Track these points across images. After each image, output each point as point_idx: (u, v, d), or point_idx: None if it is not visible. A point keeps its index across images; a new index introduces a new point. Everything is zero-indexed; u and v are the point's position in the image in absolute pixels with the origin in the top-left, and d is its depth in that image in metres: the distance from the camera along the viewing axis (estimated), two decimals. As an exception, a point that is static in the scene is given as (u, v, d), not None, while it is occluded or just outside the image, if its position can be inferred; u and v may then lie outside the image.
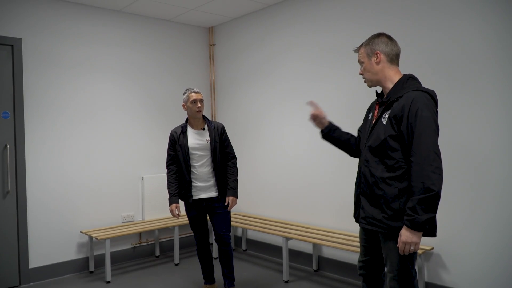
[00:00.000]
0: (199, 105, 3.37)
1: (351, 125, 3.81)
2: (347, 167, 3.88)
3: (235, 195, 3.41)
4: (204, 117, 3.48)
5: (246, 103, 4.97)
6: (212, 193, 3.39)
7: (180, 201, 3.48)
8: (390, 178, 2.05)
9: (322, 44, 4.09)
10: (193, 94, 3.38)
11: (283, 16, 4.46)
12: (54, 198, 4.16)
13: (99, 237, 4.00)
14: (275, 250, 4.61)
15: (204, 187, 3.39)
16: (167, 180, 3.48)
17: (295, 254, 4.37)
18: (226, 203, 3.38)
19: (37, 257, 4.05)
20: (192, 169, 3.40)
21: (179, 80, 5.14)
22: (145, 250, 4.79)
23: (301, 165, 4.34)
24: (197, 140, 3.40)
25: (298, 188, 4.38)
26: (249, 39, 4.90)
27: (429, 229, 2.03)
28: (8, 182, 3.87)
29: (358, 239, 3.51)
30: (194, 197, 3.40)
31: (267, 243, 4.73)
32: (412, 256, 2.09)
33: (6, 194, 3.88)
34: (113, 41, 4.59)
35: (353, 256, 3.83)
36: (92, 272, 4.28)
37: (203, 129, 3.43)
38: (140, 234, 4.73)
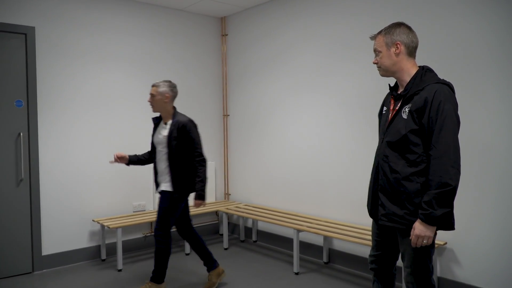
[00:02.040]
0: (149, 99, 3.37)
1: (363, 117, 3.77)
2: (359, 160, 3.84)
3: (200, 197, 3.31)
4: (175, 112, 3.40)
5: (258, 94, 4.93)
6: (166, 187, 3.34)
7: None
8: (412, 174, 2.01)
9: (335, 36, 4.03)
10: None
11: (297, 7, 4.40)
12: (66, 186, 4.20)
13: (111, 226, 4.03)
14: (285, 241, 4.60)
15: (162, 180, 3.38)
16: None
17: (305, 246, 4.35)
18: (194, 206, 3.34)
19: (50, 245, 4.10)
20: (156, 161, 3.42)
21: (192, 70, 5.13)
22: (156, 240, 4.81)
23: (312, 157, 4.30)
24: (159, 134, 3.39)
25: (309, 180, 4.35)
26: (262, 29, 4.84)
27: (447, 223, 2.00)
28: (22, 170, 3.91)
29: (369, 232, 3.49)
30: (157, 189, 3.44)
31: (278, 234, 4.72)
32: (430, 252, 2.06)
33: (20, 182, 3.93)
34: (126, 30, 4.58)
35: (364, 249, 3.81)
36: (104, 260, 4.32)
37: (166, 123, 3.39)
38: (151, 223, 4.75)
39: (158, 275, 3.38)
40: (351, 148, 3.93)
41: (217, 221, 5.38)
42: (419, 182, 1.99)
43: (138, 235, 4.68)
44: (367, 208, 2.29)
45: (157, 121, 3.47)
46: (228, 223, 5.30)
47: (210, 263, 3.58)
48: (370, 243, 3.24)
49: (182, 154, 3.30)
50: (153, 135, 3.46)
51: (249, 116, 5.06)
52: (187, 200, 3.47)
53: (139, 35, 4.68)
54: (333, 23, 4.05)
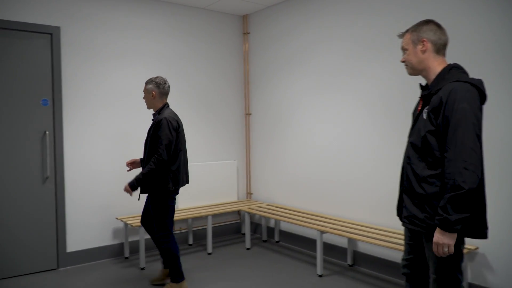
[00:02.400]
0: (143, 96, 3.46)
1: (387, 116, 3.66)
2: (384, 159, 3.74)
3: (130, 184, 3.29)
4: (162, 108, 3.39)
5: (280, 92, 4.87)
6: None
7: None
8: (431, 176, 1.94)
9: (358, 35, 3.93)
10: None
11: (319, 5, 4.31)
12: (91, 184, 4.23)
13: (134, 224, 4.04)
14: (309, 242, 4.53)
15: None
16: None
17: (329, 248, 4.28)
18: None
19: (74, 242, 4.15)
20: None
21: (213, 69, 5.10)
22: (179, 238, 4.81)
23: (336, 157, 4.22)
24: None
25: (333, 180, 4.27)
26: (284, 27, 4.78)
27: (476, 230, 1.92)
28: (47, 168, 3.96)
29: (396, 235, 3.40)
30: None
31: (300, 235, 4.65)
32: (457, 259, 1.96)
33: (46, 179, 3.98)
34: (148, 29, 4.58)
35: (390, 253, 3.71)
36: (127, 258, 4.35)
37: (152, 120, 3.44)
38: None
39: (175, 274, 3.39)
40: (376, 147, 3.83)
41: (239, 221, 5.35)
42: (438, 186, 1.92)
43: (161, 234, 4.68)
44: (396, 208, 2.23)
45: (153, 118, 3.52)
46: (251, 222, 5.27)
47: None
48: (397, 246, 3.16)
49: (153, 151, 3.29)
50: None
51: (271, 114, 5.01)
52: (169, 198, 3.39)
53: (161, 34, 4.68)
54: (356, 21, 3.95)
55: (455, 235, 1.86)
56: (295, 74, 4.66)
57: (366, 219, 3.94)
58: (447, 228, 1.83)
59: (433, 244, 1.89)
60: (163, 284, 3.59)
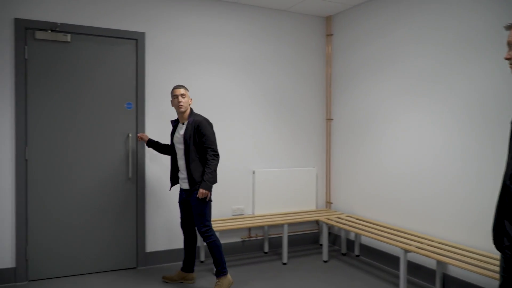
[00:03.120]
0: (179, 99, 3.53)
1: (489, 124, 3.19)
2: (483, 173, 3.27)
3: (205, 187, 3.41)
4: (191, 112, 3.59)
5: (366, 97, 4.55)
6: (185, 185, 3.57)
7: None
8: None
9: (453, 34, 3.49)
10: (174, 89, 3.55)
11: (410, 2, 3.95)
12: (169, 187, 4.31)
13: (208, 229, 4.03)
14: (392, 260, 4.16)
15: (182, 178, 3.60)
16: None
17: (414, 267, 3.87)
18: (197, 195, 3.43)
19: (153, 242, 4.25)
20: (177, 159, 3.64)
21: (295, 71, 4.95)
22: (254, 245, 4.73)
23: (426, 168, 3.81)
24: (178, 134, 3.60)
25: (421, 193, 3.86)
26: (371, 27, 4.46)
27: None
28: (130, 169, 4.11)
29: (495, 261, 2.94)
30: (181, 186, 3.66)
31: (382, 251, 4.29)
32: None
33: (128, 180, 4.13)
34: (230, 33, 4.58)
35: (487, 280, 3.23)
36: (202, 261, 4.36)
37: (183, 123, 3.57)
38: (249, 229, 4.68)
39: (222, 266, 3.52)
40: (474, 159, 3.37)
41: (317, 230, 5.12)
42: None
43: (236, 239, 4.64)
44: (492, 234, 1.86)
45: (175, 123, 3.69)
46: (329, 233, 5.01)
47: (188, 266, 3.78)
48: (495, 274, 2.73)
49: (197, 151, 3.48)
50: (172, 136, 3.69)
51: (355, 121, 4.71)
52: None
53: (243, 37, 4.65)
54: (450, 18, 3.52)
55: None
56: (384, 77, 4.33)
57: (458, 239, 3.49)
58: None
59: None
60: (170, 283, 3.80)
